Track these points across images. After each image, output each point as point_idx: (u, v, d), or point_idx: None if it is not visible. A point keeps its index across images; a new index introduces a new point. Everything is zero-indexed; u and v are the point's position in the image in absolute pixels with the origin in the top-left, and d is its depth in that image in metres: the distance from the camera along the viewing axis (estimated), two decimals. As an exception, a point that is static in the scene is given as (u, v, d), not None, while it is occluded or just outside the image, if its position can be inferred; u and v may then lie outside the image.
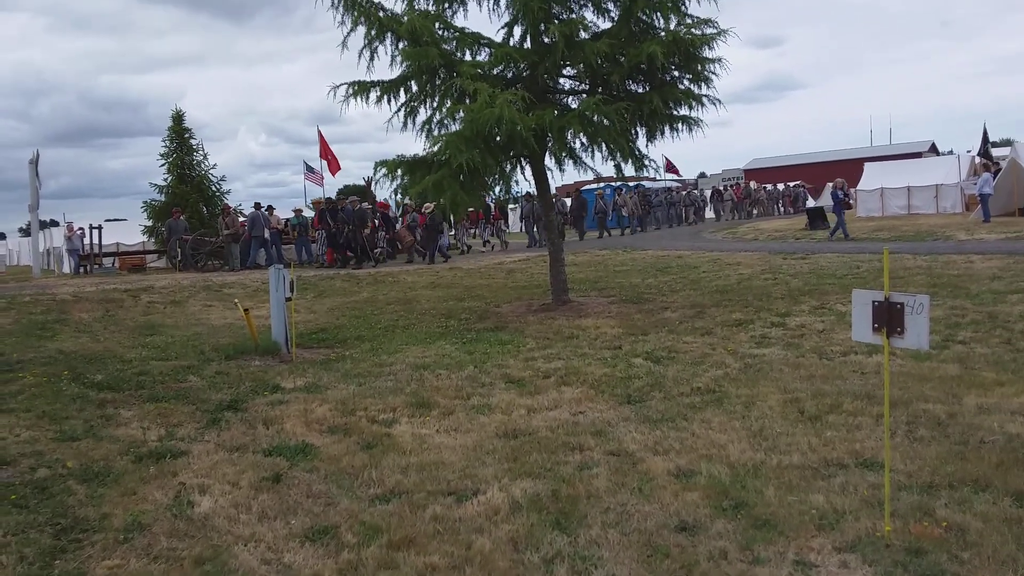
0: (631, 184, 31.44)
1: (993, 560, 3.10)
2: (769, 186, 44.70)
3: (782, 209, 41.33)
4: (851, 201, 21.03)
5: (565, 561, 3.36)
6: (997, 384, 5.62)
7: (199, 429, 5.59)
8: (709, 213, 38.30)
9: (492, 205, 25.34)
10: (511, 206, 29.89)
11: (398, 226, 22.03)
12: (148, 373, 7.45)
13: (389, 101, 10.84)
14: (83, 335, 10.00)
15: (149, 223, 23.77)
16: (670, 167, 38.61)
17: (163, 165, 23.39)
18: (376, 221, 21.29)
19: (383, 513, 3.98)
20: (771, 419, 5.16)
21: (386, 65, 10.87)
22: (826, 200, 45.54)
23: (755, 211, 38.62)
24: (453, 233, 24.24)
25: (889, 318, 3.16)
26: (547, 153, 10.83)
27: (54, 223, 32.93)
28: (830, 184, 53.02)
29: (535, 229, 25.04)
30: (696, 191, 38.69)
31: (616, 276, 14.76)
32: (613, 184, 31.19)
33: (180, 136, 23.53)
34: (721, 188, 40.48)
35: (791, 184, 45.84)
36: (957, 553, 3.19)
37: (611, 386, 6.33)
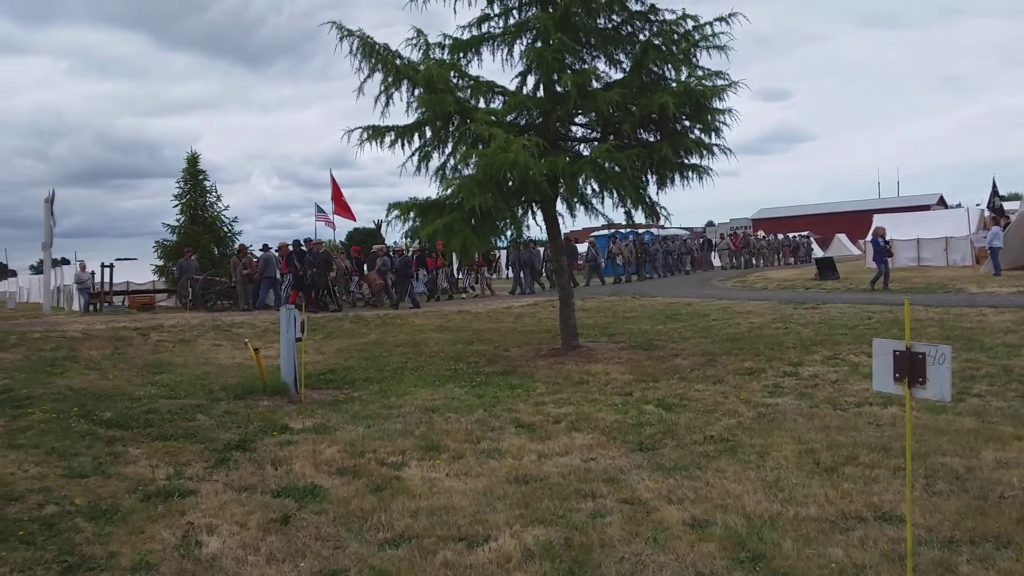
0: (639, 231, 31.49)
1: (1021, 619, 3.02)
2: (770, 236, 44.69)
3: (782, 259, 41.16)
4: (892, 249, 20.42)
5: (579, 611, 3.29)
6: (1015, 438, 5.54)
7: (207, 468, 5.55)
8: (716, 262, 38.30)
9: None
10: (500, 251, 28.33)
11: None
12: (157, 411, 7.42)
13: (403, 145, 10.98)
14: (92, 372, 10.00)
15: (160, 262, 23.95)
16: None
17: (176, 206, 23.66)
18: (348, 265, 21.31)
19: (393, 558, 3.92)
20: (786, 470, 5.09)
21: (401, 111, 11.07)
22: (836, 251, 45.78)
23: (755, 261, 38.41)
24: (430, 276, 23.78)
25: (911, 368, 3.14)
26: (559, 198, 10.93)
27: (65, 261, 33.23)
28: (839, 235, 53.19)
29: (522, 275, 24.63)
30: (691, 240, 37.75)
31: (625, 322, 14.73)
32: (622, 231, 31.21)
33: (194, 178, 23.84)
34: (714, 239, 40.12)
35: (791, 234, 45.84)
36: (983, 611, 3.11)
37: (623, 433, 6.27)
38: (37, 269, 47.05)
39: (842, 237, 52.14)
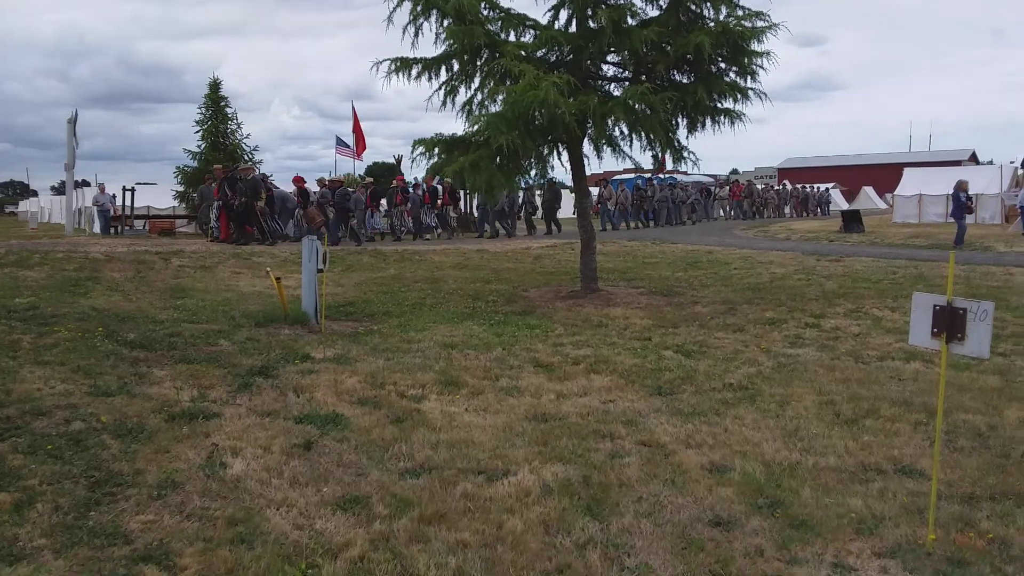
0: (647, 177, 30.75)
1: (1041, 577, 3.02)
2: (779, 186, 42.98)
3: (792, 211, 38.93)
4: (972, 205, 18.80)
5: (597, 548, 3.33)
6: (1040, 399, 5.49)
7: (231, 392, 5.62)
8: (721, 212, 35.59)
9: (440, 188, 22.42)
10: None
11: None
12: (180, 335, 7.50)
13: (430, 79, 10.78)
14: (115, 294, 10.10)
15: (180, 188, 24.02)
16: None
17: (198, 132, 23.59)
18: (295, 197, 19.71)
19: (414, 487, 3.97)
20: (806, 420, 5.08)
21: (430, 42, 10.86)
22: (863, 203, 44.93)
23: (761, 212, 36.07)
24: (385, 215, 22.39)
25: (950, 323, 3.07)
26: (586, 139, 10.73)
27: (86, 183, 33.35)
28: (866, 188, 52.06)
29: (488, 218, 22.56)
30: (690, 188, 33.40)
31: (645, 268, 14.64)
32: (615, 178, 30.43)
33: (216, 104, 23.69)
34: (712, 187, 35.51)
35: (801, 185, 43.91)
36: (1001, 566, 3.11)
37: (641, 377, 6.27)
38: (58, 190, 47.39)
39: (869, 190, 51.26)
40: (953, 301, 3.06)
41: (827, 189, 45.61)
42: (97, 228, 23.25)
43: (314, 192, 19.85)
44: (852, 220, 23.67)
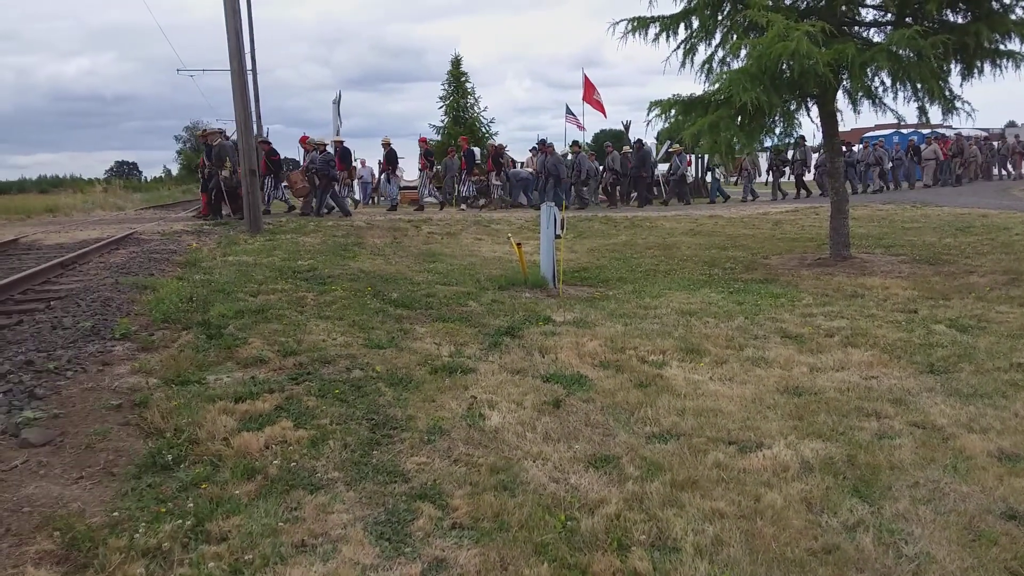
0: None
1: None
2: (996, 142, 30.36)
3: (1007, 171, 29.10)
4: None
5: (869, 531, 3.11)
6: None
7: (483, 350, 5.97)
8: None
9: (477, 153, 20.24)
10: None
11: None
12: (434, 295, 8.09)
13: (668, 38, 10.50)
14: (377, 257, 11.12)
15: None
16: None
17: (441, 107, 25.14)
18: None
19: (663, 452, 3.97)
20: (1124, 410, 4.33)
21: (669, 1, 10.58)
22: None
23: (970, 174, 26.41)
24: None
25: None
26: (840, 92, 9.87)
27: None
28: None
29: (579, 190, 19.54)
30: (880, 149, 24.59)
31: (905, 233, 13.25)
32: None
33: (457, 80, 25.10)
34: (921, 144, 25.68)
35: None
36: None
37: (908, 352, 5.71)
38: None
39: None
40: None
41: None
42: (358, 195, 25.73)
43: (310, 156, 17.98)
44: None
